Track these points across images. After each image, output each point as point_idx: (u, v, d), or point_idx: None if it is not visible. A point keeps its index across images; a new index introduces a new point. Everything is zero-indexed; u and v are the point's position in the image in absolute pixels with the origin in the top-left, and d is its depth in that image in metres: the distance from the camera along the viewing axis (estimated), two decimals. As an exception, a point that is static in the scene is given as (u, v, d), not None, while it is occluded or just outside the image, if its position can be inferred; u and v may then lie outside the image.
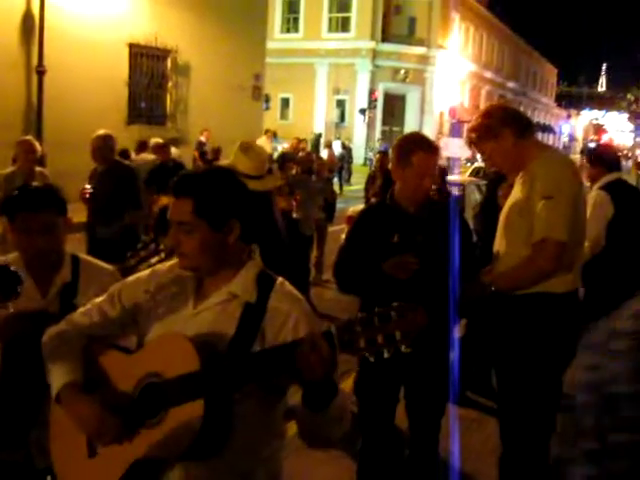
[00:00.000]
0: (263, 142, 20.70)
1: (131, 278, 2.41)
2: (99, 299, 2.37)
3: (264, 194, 4.26)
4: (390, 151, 4.64)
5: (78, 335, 2.31)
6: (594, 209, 5.14)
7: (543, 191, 3.38)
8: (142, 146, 12.58)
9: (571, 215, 3.40)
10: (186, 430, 1.96)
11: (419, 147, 3.62)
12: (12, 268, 1.92)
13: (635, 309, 0.78)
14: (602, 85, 60.41)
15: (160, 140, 11.90)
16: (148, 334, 2.27)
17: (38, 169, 7.22)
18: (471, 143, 3.73)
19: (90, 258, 3.03)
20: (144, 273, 2.40)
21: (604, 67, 69.82)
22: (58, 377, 2.21)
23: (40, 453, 2.55)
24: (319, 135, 31.73)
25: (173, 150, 13.16)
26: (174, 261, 2.34)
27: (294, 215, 8.10)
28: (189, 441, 1.95)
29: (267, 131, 22.38)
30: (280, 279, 2.28)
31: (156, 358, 2.11)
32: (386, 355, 1.81)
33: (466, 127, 34.88)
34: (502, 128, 3.57)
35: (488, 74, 53.17)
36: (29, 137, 7.92)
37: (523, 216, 3.47)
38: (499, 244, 3.69)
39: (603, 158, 5.62)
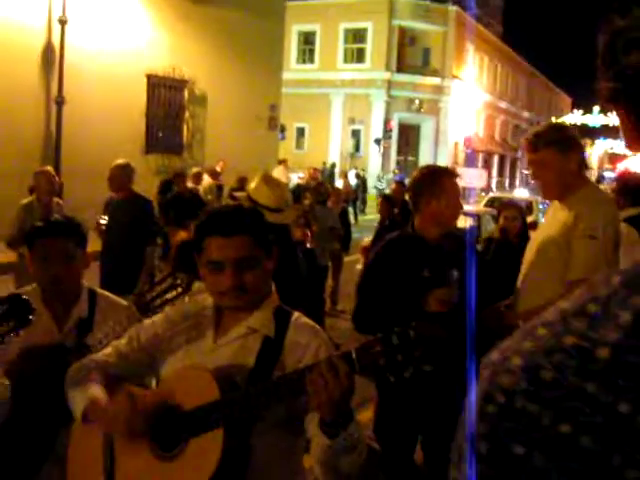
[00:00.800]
0: (279, 172, 20.81)
1: (149, 321, 2.42)
2: (118, 341, 2.38)
3: (283, 227, 4.22)
4: (407, 181, 4.62)
5: (100, 368, 2.31)
6: (624, 246, 5.04)
7: (587, 230, 3.28)
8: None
9: (611, 257, 3.31)
10: (205, 461, 1.96)
11: (443, 176, 3.61)
12: (24, 297, 1.93)
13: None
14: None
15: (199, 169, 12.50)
16: (166, 370, 2.29)
17: (55, 200, 7.27)
18: (530, 147, 3.53)
19: (106, 293, 3.05)
20: (161, 315, 2.42)
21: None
22: (83, 397, 2.21)
23: None
24: (333, 165, 31.82)
25: (208, 180, 13.51)
26: (190, 298, 2.37)
27: (308, 245, 8.11)
28: (209, 472, 1.95)
29: (283, 161, 22.47)
30: (296, 313, 2.30)
31: (175, 390, 2.12)
32: (407, 375, 1.79)
33: (481, 156, 34.79)
34: (572, 148, 3.48)
35: (503, 104, 53.29)
36: (48, 168, 7.97)
37: (561, 252, 3.36)
38: (529, 276, 3.58)
39: (629, 189, 5.45)
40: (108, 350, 2.37)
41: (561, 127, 3.66)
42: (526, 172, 54.49)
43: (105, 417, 2.13)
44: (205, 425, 1.99)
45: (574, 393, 0.64)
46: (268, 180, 4.41)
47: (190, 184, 12.99)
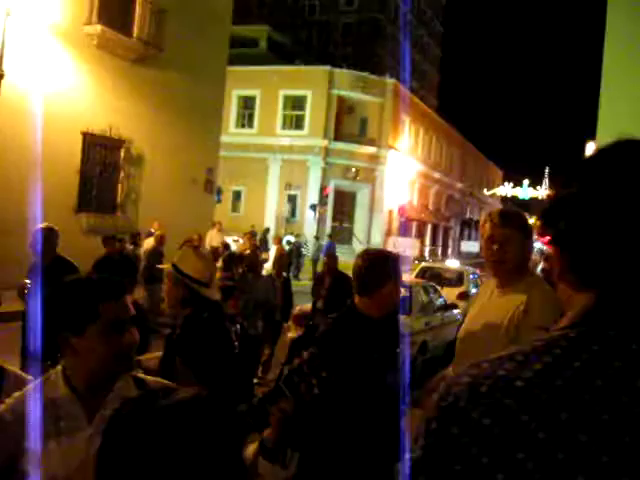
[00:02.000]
0: (213, 235, 20.68)
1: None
2: None
3: (217, 303, 4.08)
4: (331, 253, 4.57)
5: None
6: None
7: (539, 322, 3.25)
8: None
9: None
10: None
11: (397, 261, 3.62)
12: None
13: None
14: (545, 187, 62.38)
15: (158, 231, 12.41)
16: (38, 468, 2.06)
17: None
18: (498, 222, 3.63)
19: (16, 371, 2.84)
20: (5, 408, 2.16)
21: (547, 170, 72.15)
22: None
23: None
24: (267, 229, 31.89)
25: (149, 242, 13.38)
26: (33, 385, 2.24)
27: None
28: None
29: (216, 223, 22.33)
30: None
31: None
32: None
33: (415, 225, 35.36)
34: (531, 236, 3.66)
35: (437, 174, 54.55)
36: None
37: (508, 337, 3.37)
38: (470, 346, 3.59)
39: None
40: None
41: (522, 213, 3.85)
42: (463, 242, 55.62)
43: None
44: None
45: (498, 403, 1.03)
46: (199, 252, 4.29)
47: (152, 243, 13.11)
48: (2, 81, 14.91)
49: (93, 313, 2.08)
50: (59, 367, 2.22)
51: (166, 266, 4.09)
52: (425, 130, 51.81)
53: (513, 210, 3.88)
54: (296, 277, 26.99)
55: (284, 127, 42.36)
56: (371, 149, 42.39)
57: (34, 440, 2.07)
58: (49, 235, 6.85)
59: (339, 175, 41.70)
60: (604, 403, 1.00)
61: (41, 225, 6.99)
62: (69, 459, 2.05)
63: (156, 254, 12.63)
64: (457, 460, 1.02)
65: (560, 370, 1.03)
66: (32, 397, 2.15)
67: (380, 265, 3.61)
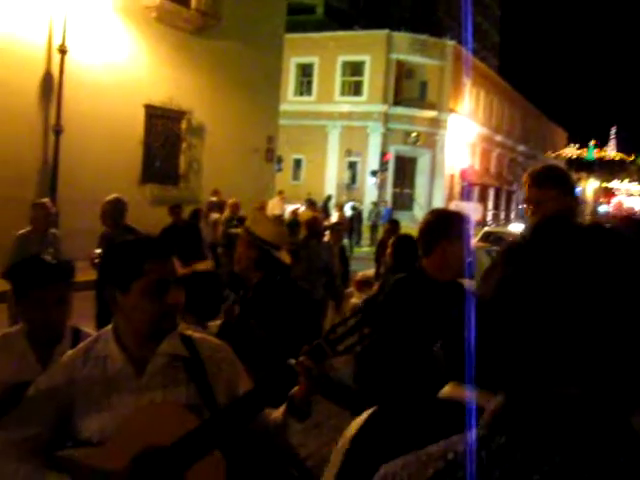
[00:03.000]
0: (275, 203, 20.88)
1: (45, 376, 2.31)
2: (26, 404, 2.23)
3: (286, 266, 4.17)
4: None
5: (27, 449, 2.12)
6: None
7: None
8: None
9: None
10: None
11: (457, 220, 3.59)
12: None
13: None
14: (612, 148, 60.74)
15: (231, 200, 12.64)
16: (88, 421, 2.17)
17: (51, 231, 7.29)
18: (532, 183, 3.56)
19: (89, 331, 3.03)
20: (58, 366, 2.32)
21: (613, 131, 70.23)
22: None
23: None
24: (329, 197, 31.93)
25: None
26: (88, 340, 2.36)
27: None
28: None
29: (280, 192, 22.59)
30: (192, 332, 2.37)
31: (143, 433, 2.06)
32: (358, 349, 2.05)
33: (477, 189, 34.87)
34: (570, 192, 3.59)
35: (498, 137, 53.66)
36: (46, 200, 8.01)
37: None
38: None
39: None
40: (19, 419, 2.19)
41: (561, 169, 3.74)
42: (521, 207, 54.72)
43: None
44: (199, 452, 1.99)
45: None
46: (269, 216, 4.39)
47: (227, 213, 13.44)
48: (65, 57, 15.24)
49: (138, 270, 2.14)
50: (110, 326, 2.31)
51: (239, 230, 4.20)
52: (486, 92, 50.90)
53: (549, 168, 3.72)
54: (357, 243, 27.05)
55: (343, 94, 42.10)
56: (431, 113, 41.87)
57: (85, 396, 2.18)
58: (117, 206, 7.05)
59: (399, 141, 41.37)
60: None
61: (108, 197, 7.19)
62: (118, 414, 2.13)
63: (234, 220, 12.91)
64: None
65: (445, 478, 1.02)
66: (84, 354, 2.26)
67: (441, 222, 3.60)
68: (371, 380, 3.55)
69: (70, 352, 2.34)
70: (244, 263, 4.04)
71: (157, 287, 2.14)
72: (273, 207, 20.32)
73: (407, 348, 3.32)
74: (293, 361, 2.03)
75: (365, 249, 25.31)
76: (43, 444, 2.14)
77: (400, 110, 41.02)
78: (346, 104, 41.15)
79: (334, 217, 20.95)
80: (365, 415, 1.80)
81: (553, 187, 3.48)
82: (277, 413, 2.15)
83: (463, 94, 45.15)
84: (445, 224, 3.57)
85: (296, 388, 2.07)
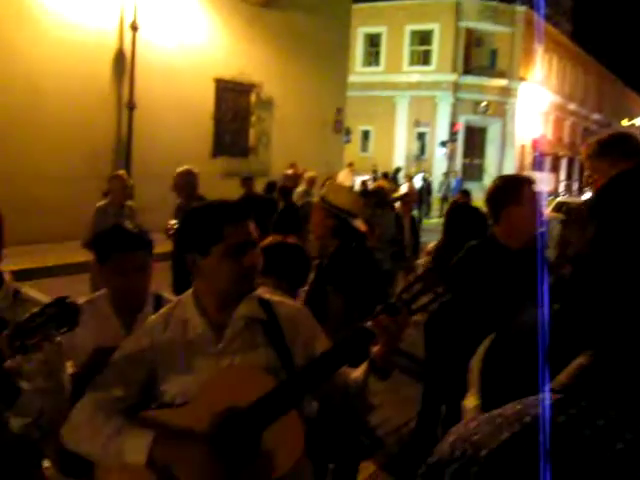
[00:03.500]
0: (345, 175, 20.88)
1: (130, 339, 2.39)
2: (113, 367, 2.29)
3: (363, 234, 4.21)
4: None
5: (114, 410, 2.19)
6: None
7: None
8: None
9: None
10: (293, 444, 2.04)
11: (524, 184, 3.56)
12: (70, 300, 2.00)
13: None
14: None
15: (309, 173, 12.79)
16: (169, 384, 2.24)
17: (128, 203, 7.47)
18: (593, 153, 3.38)
19: (171, 297, 3.09)
20: (142, 330, 2.38)
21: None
22: (136, 441, 2.08)
23: None
24: (398, 169, 31.74)
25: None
26: (167, 306, 2.42)
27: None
28: (299, 452, 2.04)
29: (350, 164, 22.60)
30: (269, 295, 2.40)
31: (221, 395, 2.11)
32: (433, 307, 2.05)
33: (549, 159, 34.04)
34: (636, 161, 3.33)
35: (572, 106, 52.29)
36: (122, 172, 8.19)
37: None
38: None
39: None
40: (106, 381, 2.26)
41: (627, 137, 3.49)
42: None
43: (182, 468, 2.05)
44: (276, 413, 2.04)
45: (464, 470, 1.01)
46: (345, 186, 4.41)
47: (304, 186, 13.55)
48: (137, 33, 15.48)
49: (217, 234, 2.18)
50: (190, 290, 2.36)
51: (315, 199, 4.24)
52: (559, 59, 49.58)
53: (611, 136, 3.47)
54: (426, 215, 26.87)
55: (411, 63, 41.58)
56: (502, 82, 41.03)
57: (168, 360, 2.24)
58: (189, 177, 7.16)
59: (469, 110, 40.72)
60: None
61: (180, 169, 7.30)
62: (199, 376, 2.18)
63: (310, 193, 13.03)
64: None
65: (522, 444, 0.98)
66: (165, 319, 2.33)
67: (507, 187, 3.58)
68: (441, 348, 3.58)
69: (152, 317, 2.41)
70: (321, 231, 4.09)
71: (236, 250, 2.18)
72: (343, 179, 20.33)
73: (480, 314, 3.32)
74: (370, 322, 2.03)
75: (434, 220, 25.13)
76: (129, 406, 2.21)
77: (470, 79, 40.32)
78: (415, 74, 40.66)
79: (403, 188, 20.79)
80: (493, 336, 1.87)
81: (611, 156, 3.30)
82: (357, 373, 2.17)
83: (534, 61, 44.09)
84: (511, 189, 3.54)
85: (376, 347, 2.08)
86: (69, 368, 2.79)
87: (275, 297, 2.41)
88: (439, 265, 4.90)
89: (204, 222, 2.23)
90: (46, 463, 4.21)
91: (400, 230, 9.58)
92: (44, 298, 2.45)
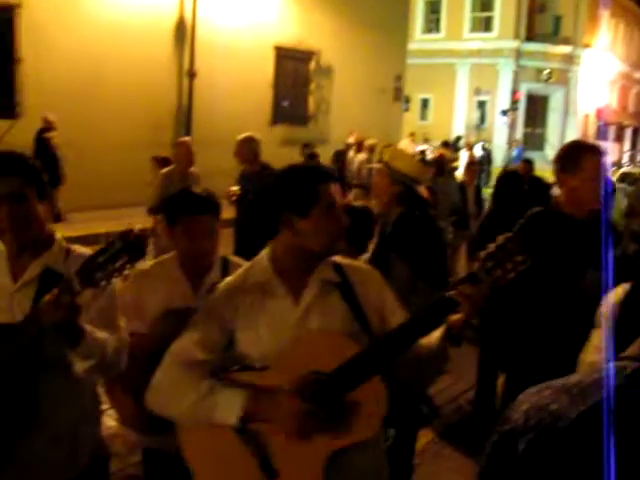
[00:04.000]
0: (406, 145, 20.76)
1: (209, 300, 2.41)
2: (193, 330, 2.32)
3: (427, 202, 4.19)
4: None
5: (199, 371, 2.25)
6: None
7: None
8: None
9: None
10: (374, 408, 2.07)
11: (586, 152, 3.46)
12: (134, 232, 2.03)
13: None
14: None
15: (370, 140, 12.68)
16: (245, 345, 2.28)
17: (192, 169, 7.56)
18: None
19: (238, 260, 3.13)
20: (220, 293, 2.39)
21: None
22: (229, 400, 2.14)
23: None
24: (458, 137, 31.33)
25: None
26: (242, 269, 2.43)
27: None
28: (381, 418, 2.07)
29: (412, 134, 22.50)
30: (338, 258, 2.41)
31: (305, 359, 2.13)
32: (511, 276, 2.00)
33: (613, 129, 33.27)
34: None
35: (638, 74, 50.79)
36: (187, 139, 8.27)
37: None
38: None
39: None
40: (188, 344, 2.29)
41: None
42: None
43: (277, 421, 2.11)
44: (360, 377, 2.07)
45: (542, 439, 1.02)
46: (409, 152, 4.36)
47: (365, 154, 13.58)
48: (197, 2, 15.56)
49: (314, 195, 2.20)
50: (266, 251, 2.38)
51: (378, 165, 4.20)
52: (626, 24, 48.04)
53: None
54: (486, 185, 26.55)
55: (472, 30, 40.84)
56: (565, 49, 40.02)
57: (247, 322, 2.27)
58: (251, 144, 7.20)
59: (531, 78, 39.87)
60: None
61: (241, 136, 7.34)
62: (278, 339, 2.20)
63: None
64: None
65: (601, 415, 0.97)
66: (243, 282, 2.34)
67: (569, 154, 3.50)
68: (499, 314, 3.55)
69: (229, 279, 2.43)
70: (385, 198, 4.06)
71: (330, 209, 2.22)
72: (405, 148, 20.21)
73: (541, 281, 3.29)
74: (452, 291, 2.03)
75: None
76: (211, 369, 2.26)
77: (532, 46, 39.42)
78: (476, 41, 39.92)
79: (464, 157, 20.56)
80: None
81: None
82: (431, 339, 2.16)
83: (600, 27, 42.84)
84: (571, 156, 3.47)
85: (455, 316, 2.08)
86: (141, 328, 2.87)
87: (345, 260, 2.42)
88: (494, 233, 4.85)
89: (302, 183, 2.24)
90: (111, 421, 4.36)
91: (464, 199, 9.49)
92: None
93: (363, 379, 2.07)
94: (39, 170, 2.41)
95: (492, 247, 1.99)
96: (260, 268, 2.34)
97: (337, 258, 2.38)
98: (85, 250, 2.53)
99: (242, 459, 2.14)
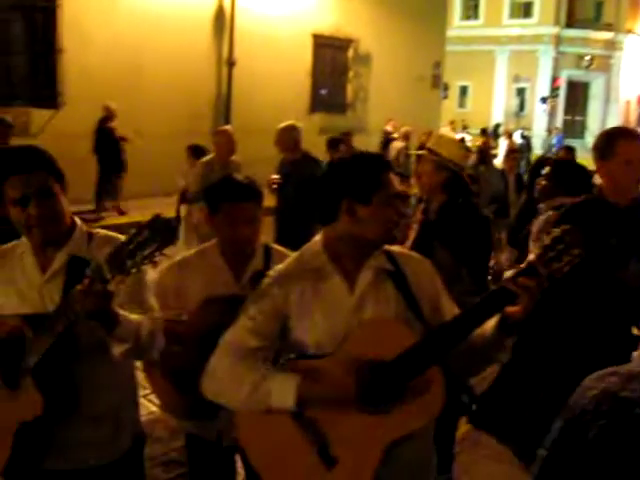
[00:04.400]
0: (446, 133, 20.63)
1: (263, 286, 2.38)
2: (246, 317, 2.33)
3: (471, 190, 4.12)
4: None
5: (254, 359, 2.27)
6: None
7: None
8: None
9: None
10: (433, 397, 2.07)
11: (619, 138, 3.40)
12: (165, 217, 1.99)
13: None
14: None
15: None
16: (300, 332, 2.28)
17: (233, 158, 7.58)
18: None
19: (280, 248, 3.14)
20: (272, 279, 2.37)
21: None
22: (284, 385, 2.15)
23: (228, 432, 2.64)
24: (497, 125, 31.04)
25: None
26: (294, 256, 2.42)
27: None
28: (439, 407, 2.07)
29: (452, 122, 22.43)
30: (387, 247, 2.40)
31: (364, 347, 2.12)
32: (566, 269, 1.97)
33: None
34: None
35: (682, 59, 49.81)
36: (228, 127, 8.28)
37: None
38: None
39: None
40: (241, 332, 2.31)
41: None
42: None
43: (331, 395, 2.13)
44: (419, 367, 2.07)
45: (615, 426, 1.00)
46: (455, 138, 4.27)
47: (403, 142, 13.53)
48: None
49: (377, 182, 2.21)
50: (318, 237, 2.37)
51: (422, 152, 4.12)
52: (670, 10, 47.15)
53: None
54: (525, 173, 26.25)
55: (512, 16, 40.34)
56: (607, 34, 39.34)
57: (301, 309, 2.27)
58: (292, 132, 7.17)
59: (571, 65, 39.30)
60: None
61: (282, 124, 7.33)
62: (333, 326, 2.21)
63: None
64: (576, 473, 1.03)
65: None
66: (297, 268, 2.34)
67: (607, 140, 3.44)
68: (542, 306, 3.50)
69: (280, 266, 2.42)
70: (430, 185, 4.00)
71: (392, 198, 2.23)
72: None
73: (585, 273, 3.25)
74: (510, 283, 2.02)
75: (534, 178, 24.54)
76: (265, 356, 2.28)
77: (573, 32, 38.82)
78: (515, 27, 39.46)
79: (503, 145, 20.36)
80: None
81: None
82: (485, 329, 2.14)
83: (643, 13, 42.09)
84: (607, 143, 3.41)
85: (512, 307, 2.06)
86: (183, 316, 2.89)
87: (400, 250, 2.42)
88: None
89: (366, 170, 2.24)
90: (152, 406, 4.41)
91: (505, 187, 9.38)
92: (115, 233, 2.54)
93: (422, 369, 2.07)
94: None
95: (549, 239, 1.96)
96: (313, 255, 2.34)
97: (389, 247, 2.37)
98: (107, 233, 2.57)
99: (299, 446, 2.14)
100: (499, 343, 2.15)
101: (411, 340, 2.09)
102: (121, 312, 2.24)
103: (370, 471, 2.06)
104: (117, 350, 2.29)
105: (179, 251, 3.32)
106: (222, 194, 2.95)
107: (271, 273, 2.40)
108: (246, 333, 2.28)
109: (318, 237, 2.38)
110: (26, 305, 2.37)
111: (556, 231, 1.95)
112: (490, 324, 2.12)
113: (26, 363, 2.24)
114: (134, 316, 2.33)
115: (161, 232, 1.97)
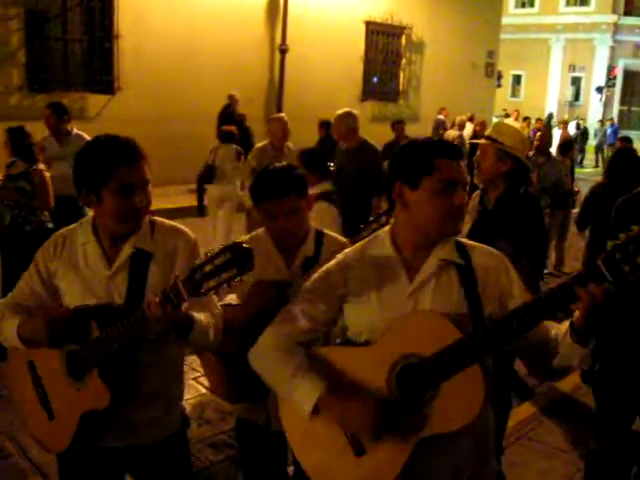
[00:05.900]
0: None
1: (322, 270, 2.38)
2: (299, 304, 2.33)
3: (530, 180, 4.03)
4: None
5: (295, 343, 2.29)
6: None
7: None
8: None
9: None
10: (470, 397, 2.02)
11: None
12: (245, 245, 1.95)
13: None
14: None
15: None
16: (353, 318, 2.29)
17: (286, 144, 7.63)
18: None
19: (332, 234, 3.13)
20: (332, 264, 2.36)
21: None
22: (307, 391, 2.16)
23: (276, 416, 2.62)
24: (550, 115, 30.57)
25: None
26: (364, 240, 2.40)
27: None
28: (477, 408, 2.01)
29: (507, 114, 22.21)
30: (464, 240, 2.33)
31: (404, 340, 2.10)
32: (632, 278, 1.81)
33: None
34: None
35: None
36: (282, 115, 8.32)
37: None
38: None
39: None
40: (295, 314, 2.32)
41: None
42: None
43: (344, 420, 2.12)
44: (457, 365, 2.02)
45: None
46: (517, 127, 4.18)
47: (457, 131, 13.49)
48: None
49: (429, 167, 2.14)
50: (387, 227, 2.35)
51: (482, 141, 4.05)
52: None
53: None
54: (579, 164, 25.86)
55: (568, 4, 39.59)
56: (667, 22, 38.47)
57: (359, 296, 2.26)
58: (349, 119, 7.14)
59: (629, 54, 38.46)
60: None
61: (338, 111, 7.31)
62: (388, 313, 2.18)
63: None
64: None
65: None
66: (360, 254, 2.33)
67: None
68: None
69: (347, 250, 2.41)
70: (492, 174, 3.90)
71: (446, 186, 2.14)
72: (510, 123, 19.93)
73: None
74: (575, 285, 1.89)
75: (587, 170, 24.16)
76: (313, 338, 2.30)
77: (631, 20, 37.97)
78: (571, 15, 38.74)
79: (557, 135, 20.07)
80: None
81: None
82: (561, 330, 2.09)
83: None
84: None
85: (577, 313, 1.97)
86: (233, 300, 2.93)
87: (473, 243, 2.34)
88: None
89: (417, 154, 2.19)
90: (202, 388, 4.45)
91: (562, 177, 9.26)
92: (179, 225, 2.58)
93: (459, 368, 2.02)
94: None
95: (623, 237, 1.82)
96: (380, 242, 2.32)
97: (461, 239, 2.32)
98: (171, 224, 2.59)
99: (333, 432, 2.16)
100: (573, 352, 2.06)
101: (454, 337, 2.04)
102: (195, 316, 2.29)
103: (398, 466, 2.06)
104: (188, 350, 2.39)
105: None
106: (259, 191, 2.95)
107: (338, 256, 2.39)
108: (299, 313, 2.29)
109: (388, 227, 2.36)
110: (91, 296, 2.41)
111: (635, 229, 1.78)
112: (563, 329, 2.06)
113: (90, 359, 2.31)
114: (201, 316, 2.36)
115: (242, 258, 1.95)
